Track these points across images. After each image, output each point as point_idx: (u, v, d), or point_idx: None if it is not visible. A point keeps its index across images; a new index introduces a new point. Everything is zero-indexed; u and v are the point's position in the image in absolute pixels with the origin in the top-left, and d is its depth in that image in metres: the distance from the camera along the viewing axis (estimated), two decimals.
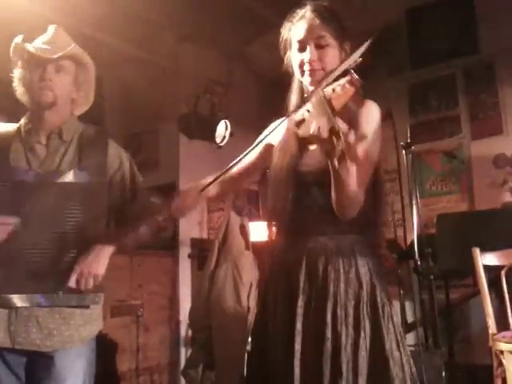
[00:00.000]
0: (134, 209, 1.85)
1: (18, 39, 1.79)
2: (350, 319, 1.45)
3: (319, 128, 1.21)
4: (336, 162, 1.24)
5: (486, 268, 2.55)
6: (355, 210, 1.42)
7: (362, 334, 1.44)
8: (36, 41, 1.80)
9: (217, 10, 4.19)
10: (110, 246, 1.74)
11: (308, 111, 1.34)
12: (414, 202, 3.12)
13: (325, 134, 1.20)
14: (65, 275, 1.65)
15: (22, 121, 1.84)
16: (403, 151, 3.34)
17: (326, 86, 1.32)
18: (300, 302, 1.48)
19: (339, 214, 1.44)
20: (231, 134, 4.23)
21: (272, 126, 1.75)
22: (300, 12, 1.59)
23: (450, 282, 3.46)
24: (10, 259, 1.65)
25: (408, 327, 3.39)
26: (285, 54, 1.66)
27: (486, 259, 2.57)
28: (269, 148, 1.71)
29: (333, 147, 1.21)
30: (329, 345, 1.42)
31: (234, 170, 1.73)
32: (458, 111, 4.53)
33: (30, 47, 1.75)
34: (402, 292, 3.39)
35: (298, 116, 1.41)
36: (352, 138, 1.19)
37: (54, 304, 1.67)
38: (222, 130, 4.22)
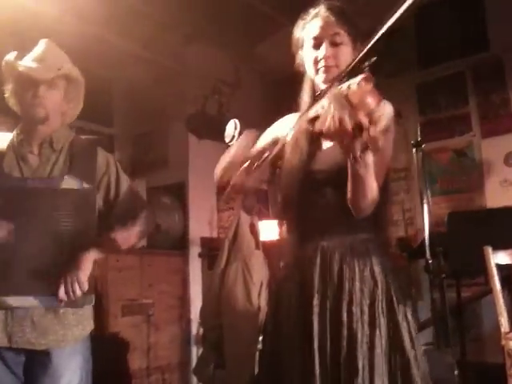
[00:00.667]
0: (117, 212, 1.93)
1: (10, 56, 1.85)
2: (366, 317, 1.45)
3: (341, 121, 1.20)
4: (357, 155, 1.23)
5: (498, 266, 2.54)
6: (371, 207, 1.42)
7: (378, 333, 1.44)
8: (27, 58, 1.84)
9: (224, 9, 4.19)
10: (94, 251, 1.81)
11: (323, 108, 1.34)
12: (424, 200, 3.11)
13: (348, 126, 1.19)
14: (58, 277, 1.74)
15: (15, 132, 1.92)
16: (413, 150, 3.33)
17: (341, 83, 1.32)
18: (315, 301, 1.49)
19: (355, 211, 1.44)
20: (240, 134, 4.23)
21: (281, 121, 1.75)
22: (314, 10, 1.60)
23: (461, 280, 3.43)
24: (5, 263, 1.74)
25: (420, 326, 3.38)
26: (296, 52, 1.66)
27: (498, 258, 2.56)
28: (277, 142, 1.70)
29: (354, 140, 1.20)
30: (344, 343, 1.42)
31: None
32: (467, 109, 4.50)
33: (21, 67, 1.80)
34: (413, 291, 3.38)
35: (311, 113, 1.41)
36: (374, 131, 1.18)
37: (48, 305, 1.75)
38: (232, 129, 4.22)
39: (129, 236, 1.97)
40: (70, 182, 1.83)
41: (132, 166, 4.90)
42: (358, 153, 1.23)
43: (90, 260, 1.79)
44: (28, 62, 1.81)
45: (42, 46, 1.88)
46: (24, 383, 1.78)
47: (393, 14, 1.26)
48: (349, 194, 1.41)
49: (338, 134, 1.23)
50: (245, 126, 4.30)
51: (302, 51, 1.64)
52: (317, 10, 1.59)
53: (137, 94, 4.81)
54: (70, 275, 1.73)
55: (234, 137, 4.20)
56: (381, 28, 1.30)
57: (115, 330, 3.82)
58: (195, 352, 4.31)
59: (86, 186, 1.85)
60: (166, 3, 3.90)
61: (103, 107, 4.82)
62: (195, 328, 4.37)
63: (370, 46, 1.32)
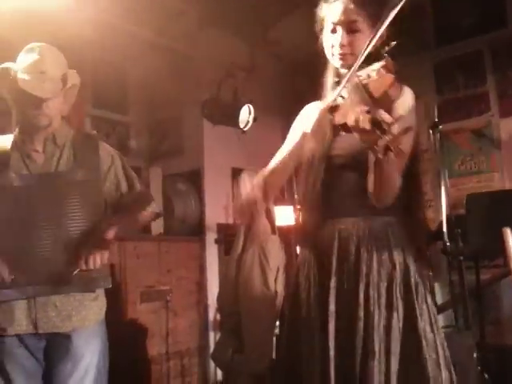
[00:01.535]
0: (128, 200, 2.01)
1: (10, 67, 1.84)
2: (383, 300, 1.45)
3: (359, 119, 1.18)
4: (379, 154, 1.21)
5: None
6: (392, 198, 1.41)
7: (395, 315, 1.43)
8: (22, 66, 1.82)
9: None
10: (111, 230, 1.85)
11: (342, 97, 1.31)
12: (442, 182, 3.07)
13: (366, 125, 1.16)
14: (73, 261, 1.78)
15: (16, 132, 1.96)
16: (430, 131, 3.28)
17: (359, 69, 1.29)
18: (332, 283, 1.49)
19: (376, 201, 1.44)
20: (255, 119, 4.21)
21: (306, 110, 1.73)
22: None
23: (480, 262, 3.40)
24: (21, 255, 1.81)
25: (438, 309, 3.36)
26: (320, 33, 1.64)
27: None
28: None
29: (374, 139, 1.17)
30: (361, 325, 1.43)
31: (282, 161, 1.68)
32: (486, 88, 4.42)
33: (23, 83, 1.78)
34: (431, 273, 3.35)
35: (330, 100, 1.39)
36: (396, 129, 1.15)
37: (65, 292, 1.82)
38: (246, 114, 4.20)
39: (138, 219, 2.05)
40: (76, 174, 1.90)
41: (148, 153, 4.92)
42: (379, 152, 1.19)
43: (109, 238, 1.83)
44: (26, 77, 1.79)
45: (37, 53, 1.84)
46: (45, 367, 1.85)
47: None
48: (370, 185, 1.40)
49: (358, 132, 1.21)
50: (260, 109, 4.28)
51: (323, 32, 1.62)
52: None
53: (151, 82, 4.80)
54: (92, 247, 1.78)
55: (248, 122, 4.19)
56: (387, 15, 1.27)
57: (134, 316, 3.86)
58: (213, 337, 4.34)
59: (91, 176, 1.92)
60: None
61: (118, 95, 4.82)
62: (213, 313, 4.40)
63: (378, 34, 1.29)
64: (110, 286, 1.95)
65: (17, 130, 1.97)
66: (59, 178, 1.89)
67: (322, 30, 1.63)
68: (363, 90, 1.21)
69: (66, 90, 1.90)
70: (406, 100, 1.47)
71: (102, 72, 4.58)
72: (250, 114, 4.20)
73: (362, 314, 1.43)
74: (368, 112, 1.17)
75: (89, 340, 1.85)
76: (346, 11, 1.52)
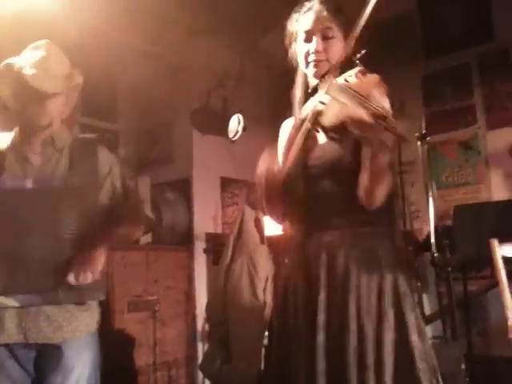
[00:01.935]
0: (124, 209, 1.95)
1: (13, 62, 1.80)
2: (374, 310, 1.45)
3: (355, 113, 1.19)
4: (384, 145, 1.22)
5: (505, 259, 2.52)
6: (383, 197, 1.42)
7: (386, 325, 1.43)
8: (27, 62, 1.78)
9: (228, 2, 4.17)
10: (104, 242, 1.83)
11: (323, 103, 1.32)
12: (430, 193, 3.09)
13: (367, 117, 1.18)
14: (64, 274, 1.74)
15: (14, 132, 1.90)
16: (418, 142, 3.31)
17: (335, 76, 1.31)
18: (322, 296, 1.48)
19: (368, 201, 1.44)
20: (244, 129, 4.22)
21: (286, 125, 1.75)
22: (308, 4, 1.62)
23: (467, 273, 3.42)
24: (13, 262, 1.76)
25: (426, 320, 3.37)
26: (289, 46, 1.67)
27: (505, 250, 2.53)
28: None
29: (378, 131, 1.19)
30: (353, 337, 1.42)
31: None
32: (473, 101, 4.47)
33: (28, 77, 1.74)
34: (419, 284, 3.36)
35: (307, 110, 1.39)
36: (391, 120, 1.17)
37: (56, 302, 1.77)
38: (235, 124, 4.20)
39: (134, 230, 2.03)
40: (72, 180, 1.84)
41: (136, 161, 4.90)
42: (384, 144, 1.21)
43: (102, 252, 1.80)
44: (34, 72, 1.75)
45: (43, 50, 1.82)
46: (35, 378, 1.81)
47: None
48: (364, 184, 1.40)
49: (357, 126, 1.22)
50: (250, 119, 4.29)
51: (295, 44, 1.64)
52: (311, 3, 1.61)
53: (141, 90, 4.79)
54: (84, 262, 1.74)
55: (237, 132, 4.19)
56: (359, 21, 1.30)
57: (121, 326, 3.83)
58: (201, 347, 4.32)
59: (88, 183, 1.86)
60: None
61: (107, 103, 4.81)
62: (201, 323, 4.38)
63: (351, 40, 1.32)
64: (104, 298, 1.91)
65: (15, 130, 1.90)
66: (55, 183, 1.83)
67: (291, 43, 1.66)
68: (352, 91, 1.22)
69: (69, 89, 1.86)
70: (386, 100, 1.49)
71: (91, 79, 4.55)
72: (239, 123, 4.21)
73: (353, 326, 1.43)
74: (365, 106, 1.19)
75: (80, 351, 1.81)
76: (319, 19, 1.56)
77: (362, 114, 1.18)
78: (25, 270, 1.76)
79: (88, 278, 1.73)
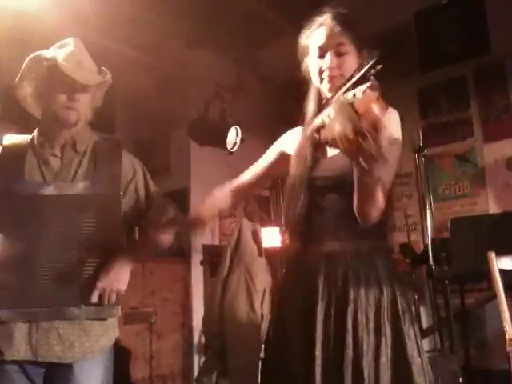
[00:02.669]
0: (149, 217, 1.84)
1: (43, 54, 1.74)
2: (371, 325, 1.44)
3: (343, 129, 1.20)
4: (363, 164, 1.22)
5: (502, 272, 2.52)
6: (377, 216, 1.41)
7: (383, 340, 1.43)
8: (59, 55, 1.71)
9: (226, 15, 4.20)
10: (130, 259, 1.75)
11: (329, 117, 1.33)
12: (427, 205, 3.10)
13: (350, 134, 1.18)
14: (83, 288, 1.67)
15: (35, 133, 1.82)
16: (415, 155, 3.32)
17: (346, 91, 1.31)
18: (319, 308, 1.47)
19: (361, 219, 1.43)
20: (242, 141, 4.23)
21: (287, 134, 1.76)
22: (320, 19, 1.60)
23: (465, 286, 3.42)
24: (27, 272, 1.65)
25: (423, 333, 3.36)
26: (302, 60, 1.66)
27: (502, 263, 2.54)
28: (283, 157, 1.71)
29: (359, 148, 1.19)
30: (350, 351, 1.41)
31: (246, 177, 1.75)
32: (469, 114, 4.49)
33: (65, 68, 1.68)
34: (416, 297, 3.35)
35: (316, 122, 1.40)
36: (381, 139, 1.17)
37: (73, 317, 1.67)
38: (233, 136, 4.21)
39: (166, 236, 1.89)
40: (94, 187, 1.73)
41: None
42: (363, 162, 1.21)
43: (128, 270, 1.74)
44: (66, 63, 1.69)
45: (72, 46, 1.75)
46: None
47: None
48: (355, 202, 1.40)
49: (342, 143, 1.22)
50: (247, 131, 4.30)
51: (307, 59, 1.64)
52: (322, 18, 1.59)
53: (139, 101, 4.81)
54: (109, 283, 1.67)
55: (235, 143, 4.20)
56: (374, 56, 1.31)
57: (117, 338, 3.80)
58: (198, 360, 4.30)
59: (110, 190, 1.76)
60: (168, 9, 3.91)
61: (105, 114, 4.80)
62: (197, 336, 4.35)
63: (363, 72, 1.33)
64: (119, 314, 1.77)
65: (36, 131, 1.81)
66: (75, 190, 1.72)
67: (304, 57, 1.65)
68: (349, 108, 1.23)
69: (99, 85, 1.79)
70: (391, 117, 1.49)
71: None
72: (237, 135, 4.22)
73: (350, 340, 1.42)
74: (353, 123, 1.19)
75: (92, 369, 1.70)
76: (332, 35, 1.55)
77: (348, 130, 1.19)
78: (38, 283, 1.65)
79: (112, 299, 1.67)
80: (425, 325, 3.63)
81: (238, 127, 4.21)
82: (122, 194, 1.79)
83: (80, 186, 1.72)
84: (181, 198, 4.61)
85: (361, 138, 1.17)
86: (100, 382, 1.71)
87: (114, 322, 1.79)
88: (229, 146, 4.20)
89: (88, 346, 1.68)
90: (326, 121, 1.35)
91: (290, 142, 1.70)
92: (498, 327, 2.46)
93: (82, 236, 1.70)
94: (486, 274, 2.59)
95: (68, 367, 1.66)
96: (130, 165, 1.86)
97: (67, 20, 3.56)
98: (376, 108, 1.22)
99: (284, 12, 4.12)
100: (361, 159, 1.21)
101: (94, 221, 1.71)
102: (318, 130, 1.38)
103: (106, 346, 1.73)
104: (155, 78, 4.51)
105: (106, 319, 1.73)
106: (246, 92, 4.80)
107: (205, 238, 4.66)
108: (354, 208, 1.42)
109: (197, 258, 4.56)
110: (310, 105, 1.67)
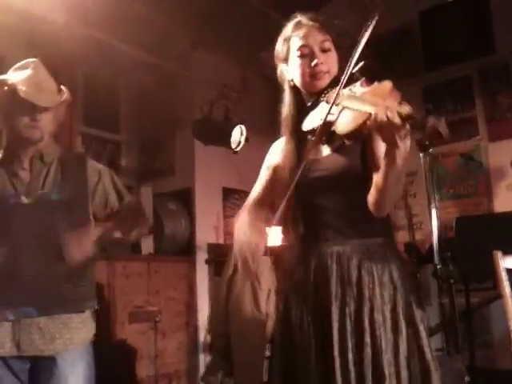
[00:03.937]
0: (123, 211, 1.93)
1: (6, 78, 1.83)
2: (388, 323, 1.45)
3: (387, 115, 1.21)
4: (402, 142, 1.25)
5: (508, 271, 2.51)
6: (395, 202, 1.42)
7: (400, 338, 1.44)
8: (18, 79, 1.82)
9: (230, 15, 4.20)
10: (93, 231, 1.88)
11: (331, 114, 1.33)
12: (432, 205, 3.09)
13: (397, 119, 1.21)
14: (58, 285, 1.79)
15: (2, 150, 1.93)
16: (420, 154, 3.31)
17: (345, 87, 1.32)
18: (334, 309, 1.47)
19: (378, 208, 1.44)
20: (247, 140, 4.23)
21: (274, 147, 1.76)
22: (294, 22, 1.63)
23: (470, 285, 3.41)
24: (6, 276, 1.78)
25: (429, 332, 3.36)
26: (278, 65, 1.69)
27: (508, 262, 2.53)
28: (277, 169, 1.70)
29: (401, 129, 1.22)
30: (369, 349, 1.42)
31: (257, 198, 1.73)
32: (474, 113, 4.49)
33: (23, 93, 1.78)
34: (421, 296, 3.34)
35: (313, 123, 1.40)
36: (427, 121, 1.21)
37: (50, 313, 1.79)
38: (238, 135, 4.21)
39: (142, 227, 1.95)
40: (62, 193, 1.87)
41: (139, 172, 4.91)
42: (402, 140, 1.25)
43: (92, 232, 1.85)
44: (26, 87, 1.80)
45: (31, 68, 1.86)
46: None
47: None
48: (379, 188, 1.40)
49: (384, 127, 1.23)
50: (251, 130, 4.30)
51: (284, 64, 1.65)
52: (297, 20, 1.63)
53: (144, 101, 4.83)
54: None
55: (240, 143, 4.20)
56: (363, 35, 1.32)
57: (122, 337, 3.82)
58: (203, 359, 4.30)
59: (77, 194, 1.90)
60: (173, 9, 3.92)
61: (110, 114, 4.83)
62: (202, 335, 4.36)
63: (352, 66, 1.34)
64: (97, 307, 1.92)
65: (4, 148, 1.94)
66: (45, 197, 1.86)
67: (279, 63, 1.68)
68: (365, 96, 1.25)
69: (59, 104, 1.90)
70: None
71: (93, 90, 4.60)
72: (241, 134, 4.22)
73: (368, 338, 1.42)
74: (398, 104, 1.22)
75: (74, 363, 1.82)
76: (313, 32, 1.58)
77: (383, 115, 1.20)
78: (19, 283, 1.78)
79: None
80: (430, 324, 3.62)
81: (242, 126, 4.22)
82: (90, 196, 1.93)
83: (49, 193, 1.86)
84: (185, 198, 4.62)
85: (411, 122, 1.18)
86: (83, 375, 1.83)
87: (90, 314, 1.91)
88: (233, 145, 4.20)
89: (68, 338, 1.81)
90: (331, 118, 1.35)
91: (279, 153, 1.70)
92: (504, 327, 2.46)
93: (55, 238, 1.82)
94: (492, 273, 2.58)
95: (51, 360, 1.79)
96: (96, 169, 2.00)
97: (73, 20, 3.57)
98: (394, 95, 1.24)
99: (288, 13, 4.11)
100: (399, 138, 1.23)
101: (66, 225, 1.84)
102: (328, 125, 1.38)
103: (86, 338, 1.87)
104: (160, 78, 4.53)
105: (83, 311, 1.86)
106: (249, 91, 4.80)
107: (209, 236, 4.66)
108: (373, 197, 1.42)
109: (202, 256, 4.57)
110: (288, 109, 1.67)
